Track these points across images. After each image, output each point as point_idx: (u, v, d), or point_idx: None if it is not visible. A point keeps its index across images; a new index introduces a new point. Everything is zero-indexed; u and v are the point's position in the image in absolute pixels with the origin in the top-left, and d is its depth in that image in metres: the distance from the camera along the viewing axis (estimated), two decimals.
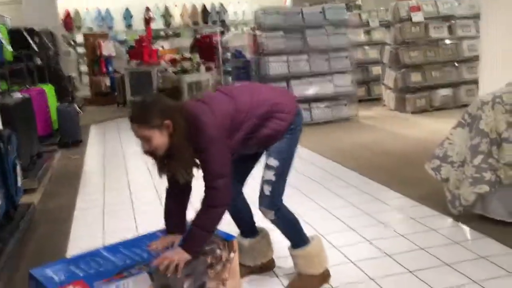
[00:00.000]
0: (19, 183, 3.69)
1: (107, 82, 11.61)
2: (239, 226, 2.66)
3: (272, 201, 2.39)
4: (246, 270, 2.66)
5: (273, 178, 2.36)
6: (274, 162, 2.36)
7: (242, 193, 2.58)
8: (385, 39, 8.39)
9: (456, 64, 8.06)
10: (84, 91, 12.45)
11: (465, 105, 3.86)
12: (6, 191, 3.40)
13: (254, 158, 2.56)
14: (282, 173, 2.39)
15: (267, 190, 2.37)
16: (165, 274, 2.14)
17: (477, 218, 3.27)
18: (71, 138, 6.74)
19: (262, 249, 2.69)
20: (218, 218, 2.22)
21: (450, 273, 2.62)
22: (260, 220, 2.61)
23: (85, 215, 3.96)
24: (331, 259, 2.68)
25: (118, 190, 4.62)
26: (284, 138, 2.37)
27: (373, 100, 8.88)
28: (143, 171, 5.20)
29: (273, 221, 2.45)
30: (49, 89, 6.93)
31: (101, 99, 11.37)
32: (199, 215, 2.21)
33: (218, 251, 2.35)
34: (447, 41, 8.15)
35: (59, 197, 4.54)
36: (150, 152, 2.19)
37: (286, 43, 7.20)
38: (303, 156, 5.26)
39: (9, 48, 6.01)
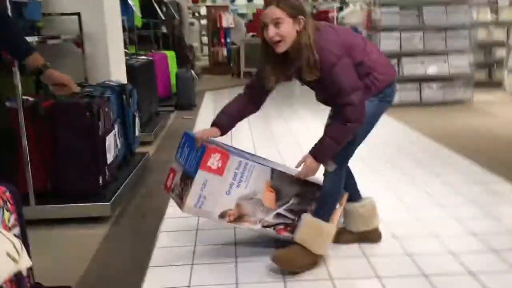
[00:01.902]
0: (137, 133, 4.17)
1: (224, 52, 12.17)
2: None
3: (341, 157, 2.41)
4: (349, 236, 2.70)
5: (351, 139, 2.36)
6: None
7: None
8: None
9: None
10: (204, 61, 13.21)
11: None
12: (125, 138, 3.87)
13: None
14: (359, 135, 2.40)
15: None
16: (282, 178, 2.45)
17: None
18: (187, 101, 7.29)
19: (365, 215, 2.67)
20: (351, 133, 2.30)
21: None
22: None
23: None
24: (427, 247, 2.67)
25: None
26: (370, 102, 2.37)
27: (494, 84, 8.30)
28: (247, 134, 5.52)
29: (329, 176, 2.45)
30: (171, 55, 7.52)
31: (218, 68, 11.98)
32: (333, 127, 2.32)
33: None
34: None
35: (170, 151, 4.99)
36: (272, 39, 2.23)
37: (401, 19, 7.01)
38: (409, 138, 5.19)
39: (139, 15, 6.62)
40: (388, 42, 6.94)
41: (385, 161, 4.28)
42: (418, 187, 3.65)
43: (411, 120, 5.81)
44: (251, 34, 11.41)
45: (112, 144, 3.40)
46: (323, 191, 2.49)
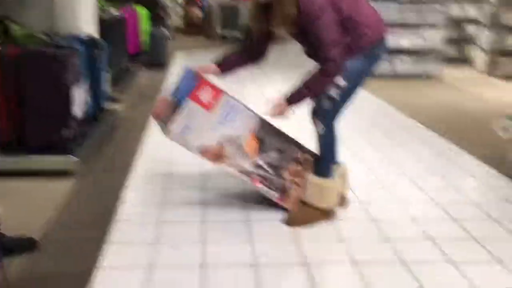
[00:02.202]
0: (107, 89, 4.08)
1: (200, 14, 11.89)
2: None
3: (328, 116, 2.46)
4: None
5: (336, 96, 2.41)
6: (341, 82, 2.38)
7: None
8: None
9: None
10: (178, 22, 12.87)
11: None
12: (94, 94, 3.78)
13: None
14: (346, 93, 2.43)
15: (327, 105, 2.43)
16: (267, 130, 2.52)
17: None
18: (157, 60, 7.15)
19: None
20: (328, 85, 2.37)
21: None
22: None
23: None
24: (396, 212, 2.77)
25: None
26: (359, 59, 2.39)
27: (463, 61, 8.44)
28: None
29: (319, 136, 2.51)
30: (143, 12, 7.30)
31: (192, 30, 11.71)
32: (310, 77, 2.37)
33: (309, 159, 2.61)
34: None
35: (139, 109, 4.94)
36: None
37: None
38: (377, 108, 5.26)
39: None
40: None
41: (354, 130, 4.33)
42: (386, 157, 3.73)
43: (382, 93, 5.87)
44: None
45: (80, 98, 3.31)
46: (320, 152, 2.56)
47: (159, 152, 3.62)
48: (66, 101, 3.07)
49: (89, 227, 2.55)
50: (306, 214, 2.57)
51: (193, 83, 2.39)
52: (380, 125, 4.63)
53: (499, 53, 7.37)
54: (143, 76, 6.60)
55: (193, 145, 2.45)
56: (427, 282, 2.11)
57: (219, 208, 2.76)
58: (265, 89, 6.05)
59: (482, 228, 2.62)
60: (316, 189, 2.56)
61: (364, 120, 4.70)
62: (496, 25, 7.44)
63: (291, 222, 2.56)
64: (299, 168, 2.63)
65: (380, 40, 2.46)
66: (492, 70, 7.48)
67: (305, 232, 2.50)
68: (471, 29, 8.49)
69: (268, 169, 2.58)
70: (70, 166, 3.12)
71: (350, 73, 2.38)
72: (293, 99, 2.40)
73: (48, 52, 3.02)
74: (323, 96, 2.42)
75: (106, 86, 4.10)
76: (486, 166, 3.54)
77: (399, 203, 2.91)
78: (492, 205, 2.91)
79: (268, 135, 2.55)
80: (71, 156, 3.11)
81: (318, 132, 2.51)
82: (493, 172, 3.44)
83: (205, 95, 2.37)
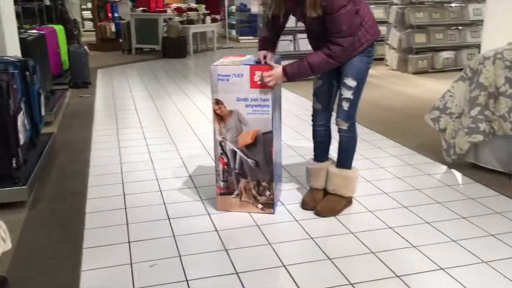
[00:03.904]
0: (43, 112, 3.90)
1: (113, 28, 11.62)
2: (319, 149, 2.98)
3: (349, 115, 2.74)
4: (322, 193, 2.96)
5: (352, 97, 2.69)
6: (352, 83, 2.66)
7: (329, 121, 2.90)
8: None
9: (460, 28, 8.19)
10: (86, 37, 12.46)
11: None
12: (31, 119, 3.60)
13: (337, 83, 2.81)
14: (358, 91, 2.70)
15: (346, 106, 2.71)
16: (266, 143, 2.73)
17: (469, 167, 3.55)
18: (81, 79, 6.90)
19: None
20: (328, 67, 2.58)
21: (441, 209, 2.90)
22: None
23: (102, 147, 4.20)
24: None
25: (130, 127, 4.85)
26: (362, 59, 2.65)
27: (376, 59, 8.96)
28: (153, 111, 5.44)
29: (344, 133, 2.78)
30: (59, 29, 7.02)
31: (106, 45, 11.42)
32: (315, 55, 2.57)
33: (264, 188, 2.83)
34: (453, 4, 8.24)
35: (75, 131, 4.77)
36: None
37: None
38: (302, 105, 5.48)
39: None
40: None
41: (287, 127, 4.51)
42: None
43: (303, 90, 6.10)
44: (141, 9, 10.98)
45: (22, 124, 3.16)
46: (343, 146, 2.84)
47: (107, 173, 3.54)
48: (11, 130, 2.92)
49: (59, 257, 2.44)
50: (334, 203, 2.85)
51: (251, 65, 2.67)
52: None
53: (408, 51, 7.96)
54: (70, 97, 6.34)
55: (217, 92, 2.70)
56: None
57: (189, 223, 2.76)
58: (176, 101, 6.07)
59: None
60: (340, 180, 2.85)
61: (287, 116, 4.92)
62: (403, 24, 8.03)
63: (322, 212, 2.81)
64: (251, 187, 2.82)
65: (374, 40, 2.70)
66: (402, 66, 8.06)
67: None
68: (381, 29, 9.07)
69: (236, 162, 2.79)
70: (20, 197, 2.96)
71: (358, 74, 2.67)
72: (291, 70, 2.60)
73: None
74: (342, 99, 2.72)
75: (43, 110, 3.92)
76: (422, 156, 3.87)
77: None
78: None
79: (262, 145, 2.73)
80: (20, 186, 2.95)
81: (342, 132, 2.78)
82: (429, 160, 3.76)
83: (257, 77, 2.63)
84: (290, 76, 2.61)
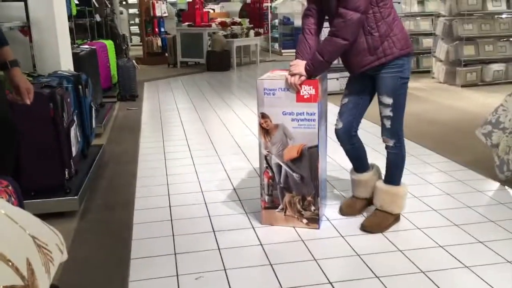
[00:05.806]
0: (94, 125, 4.03)
1: (159, 42, 11.92)
2: (355, 164, 2.96)
3: (393, 132, 2.70)
4: (363, 203, 3.00)
5: (391, 114, 2.65)
6: (388, 100, 2.63)
7: (357, 134, 2.87)
8: (439, 10, 8.30)
9: (511, 39, 7.93)
10: (133, 51, 12.84)
11: None
12: (83, 130, 3.73)
13: (369, 96, 2.82)
14: (398, 107, 2.65)
15: (388, 123, 2.68)
16: (311, 157, 2.70)
17: None
18: (129, 92, 7.10)
19: (375, 182, 2.94)
20: (336, 50, 2.53)
21: (495, 228, 2.78)
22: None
23: (148, 159, 4.29)
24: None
25: (176, 139, 4.94)
26: (393, 74, 2.60)
27: (421, 72, 8.84)
28: (197, 123, 5.52)
29: (391, 150, 2.75)
30: (110, 45, 7.26)
31: (152, 59, 11.72)
32: (322, 42, 2.58)
33: (310, 203, 2.80)
34: (504, 16, 8.00)
35: (122, 143, 4.90)
36: None
37: None
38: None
39: (76, 2, 6.32)
40: None
41: None
42: None
43: None
44: (186, 23, 11.23)
45: (74, 136, 3.27)
46: (390, 162, 2.80)
47: (153, 185, 3.61)
48: (64, 142, 3.02)
49: (108, 267, 2.50)
50: (381, 219, 2.81)
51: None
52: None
53: (456, 64, 7.76)
54: (118, 110, 6.54)
55: (263, 106, 2.71)
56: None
57: (234, 236, 2.77)
58: (220, 113, 6.12)
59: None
60: (388, 197, 2.81)
61: None
62: (449, 36, 7.85)
63: (368, 227, 2.77)
64: (296, 202, 2.80)
65: (408, 55, 2.63)
66: (450, 79, 7.87)
67: None
68: (426, 42, 8.93)
69: (281, 176, 2.78)
70: (71, 207, 3.06)
71: (392, 91, 2.62)
72: (310, 63, 2.58)
73: (43, 93, 2.96)
74: (382, 118, 2.69)
75: (94, 122, 4.05)
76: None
77: None
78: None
79: (307, 159, 2.72)
80: (72, 196, 3.05)
81: (389, 148, 2.76)
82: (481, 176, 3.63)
83: (305, 92, 2.63)
84: (308, 69, 2.58)
